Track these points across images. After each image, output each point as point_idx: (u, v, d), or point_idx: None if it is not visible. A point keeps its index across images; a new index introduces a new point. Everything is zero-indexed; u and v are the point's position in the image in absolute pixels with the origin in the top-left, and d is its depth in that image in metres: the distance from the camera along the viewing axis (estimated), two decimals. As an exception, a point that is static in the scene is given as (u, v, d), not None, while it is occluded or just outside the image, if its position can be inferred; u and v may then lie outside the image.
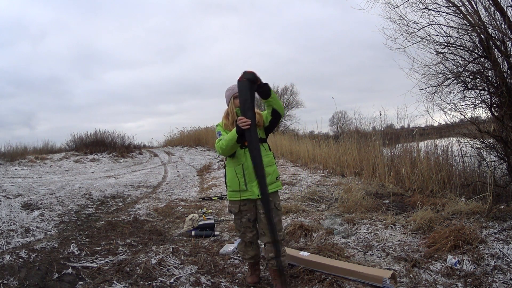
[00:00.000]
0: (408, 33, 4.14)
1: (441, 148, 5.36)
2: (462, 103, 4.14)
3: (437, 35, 4.03)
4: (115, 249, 3.02)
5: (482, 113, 4.30)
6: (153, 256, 2.72)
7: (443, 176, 4.75)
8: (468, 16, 3.66)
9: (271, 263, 2.22)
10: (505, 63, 3.64)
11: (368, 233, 3.18)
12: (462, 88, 4.07)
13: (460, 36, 3.92)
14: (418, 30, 4.07)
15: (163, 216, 4.37)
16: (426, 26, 4.04)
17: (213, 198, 5.42)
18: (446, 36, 3.98)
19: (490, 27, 3.61)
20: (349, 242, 3.02)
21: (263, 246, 2.42)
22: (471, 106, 4.14)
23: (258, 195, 2.14)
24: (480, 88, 3.99)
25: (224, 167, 2.34)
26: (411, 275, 2.36)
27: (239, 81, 2.04)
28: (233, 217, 2.35)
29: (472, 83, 4.01)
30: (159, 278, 2.41)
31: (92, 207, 4.75)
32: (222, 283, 2.37)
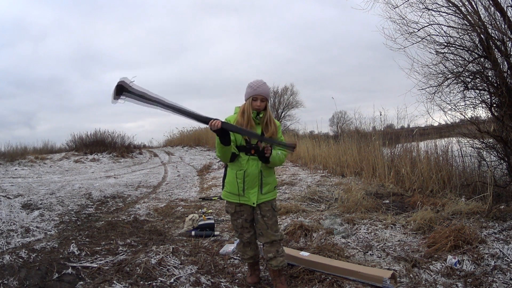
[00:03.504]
0: (408, 33, 4.14)
1: (441, 148, 5.36)
2: (462, 103, 4.15)
3: (437, 35, 4.03)
4: (115, 249, 3.02)
5: (482, 113, 4.31)
6: (153, 256, 2.72)
7: (443, 176, 4.75)
8: (468, 16, 3.66)
9: (270, 264, 2.21)
10: (505, 63, 3.64)
11: (368, 233, 3.18)
12: (462, 88, 4.07)
13: (460, 36, 3.92)
14: (418, 30, 4.08)
15: (163, 216, 4.37)
16: (426, 26, 4.04)
17: (213, 198, 5.42)
18: (446, 36, 3.99)
19: (490, 27, 3.62)
20: (349, 242, 3.02)
21: (262, 246, 2.42)
22: (471, 106, 4.15)
23: (253, 203, 2.14)
24: (480, 88, 3.99)
25: (226, 166, 2.31)
26: (411, 275, 2.36)
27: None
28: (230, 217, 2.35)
29: (472, 83, 4.02)
30: (159, 278, 2.41)
31: (92, 207, 4.75)
32: (222, 283, 2.37)
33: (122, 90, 1.96)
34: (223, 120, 2.08)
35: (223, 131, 1.98)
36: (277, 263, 2.20)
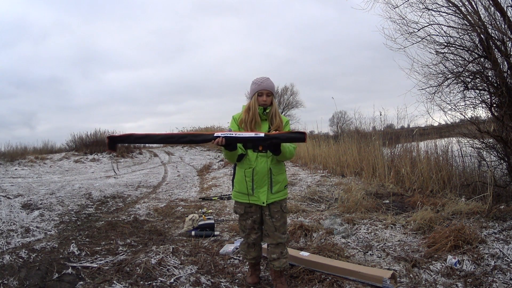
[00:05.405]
0: (408, 33, 4.14)
1: (441, 148, 5.37)
2: (462, 103, 4.15)
3: (437, 35, 4.03)
4: (115, 249, 3.02)
5: (482, 113, 4.32)
6: (153, 256, 2.72)
7: (443, 176, 4.75)
8: (468, 16, 3.66)
9: (273, 264, 2.21)
10: (505, 63, 3.64)
11: (368, 233, 3.18)
12: (462, 88, 4.08)
13: (460, 36, 3.92)
14: (418, 30, 4.08)
15: (163, 216, 4.37)
16: (426, 26, 4.04)
17: (213, 198, 5.42)
18: (446, 36, 3.99)
19: (490, 27, 3.62)
20: (349, 242, 3.02)
21: (265, 246, 2.41)
22: (471, 106, 4.15)
23: (263, 202, 2.11)
24: (480, 88, 3.99)
25: (234, 166, 2.26)
26: (411, 275, 2.36)
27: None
28: (238, 217, 2.30)
29: (472, 83, 4.02)
30: (159, 278, 2.41)
31: (92, 207, 4.75)
32: (222, 283, 2.37)
33: (115, 142, 2.06)
34: (233, 116, 2.19)
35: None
36: (279, 264, 2.19)
